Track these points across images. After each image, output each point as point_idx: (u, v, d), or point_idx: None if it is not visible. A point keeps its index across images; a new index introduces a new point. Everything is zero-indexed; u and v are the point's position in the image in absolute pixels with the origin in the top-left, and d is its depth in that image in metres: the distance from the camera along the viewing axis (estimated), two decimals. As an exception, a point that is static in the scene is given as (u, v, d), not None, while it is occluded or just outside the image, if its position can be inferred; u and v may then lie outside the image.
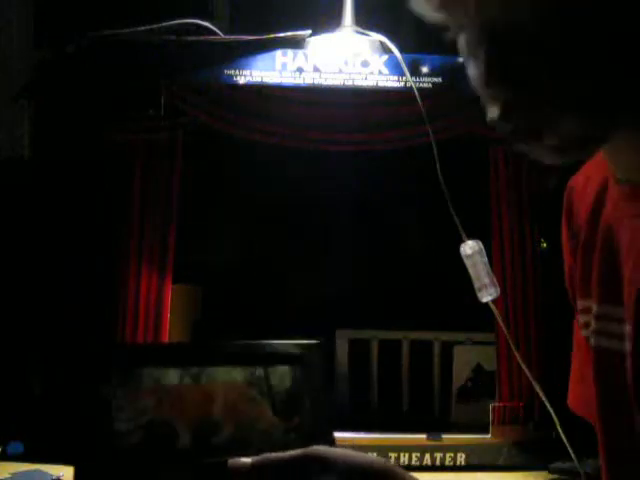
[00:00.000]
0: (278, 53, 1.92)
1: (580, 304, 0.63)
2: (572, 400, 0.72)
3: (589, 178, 0.62)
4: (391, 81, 1.92)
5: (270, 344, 0.67)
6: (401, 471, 0.58)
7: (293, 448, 0.59)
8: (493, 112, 0.48)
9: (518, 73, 0.45)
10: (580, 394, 0.70)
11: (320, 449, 0.59)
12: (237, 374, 0.65)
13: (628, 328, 0.51)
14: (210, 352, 0.66)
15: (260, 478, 0.61)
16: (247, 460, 0.59)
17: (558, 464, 1.88)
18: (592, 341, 0.60)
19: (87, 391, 0.62)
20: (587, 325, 0.62)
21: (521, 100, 0.46)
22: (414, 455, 1.97)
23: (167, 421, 0.61)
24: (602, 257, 0.57)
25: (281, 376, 0.66)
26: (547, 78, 0.45)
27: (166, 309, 1.96)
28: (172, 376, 0.63)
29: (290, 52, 1.92)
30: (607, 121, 0.46)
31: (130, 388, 0.63)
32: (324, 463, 0.58)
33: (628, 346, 0.51)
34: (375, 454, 2.02)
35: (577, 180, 0.65)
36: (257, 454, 0.60)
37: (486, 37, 0.45)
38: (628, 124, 0.46)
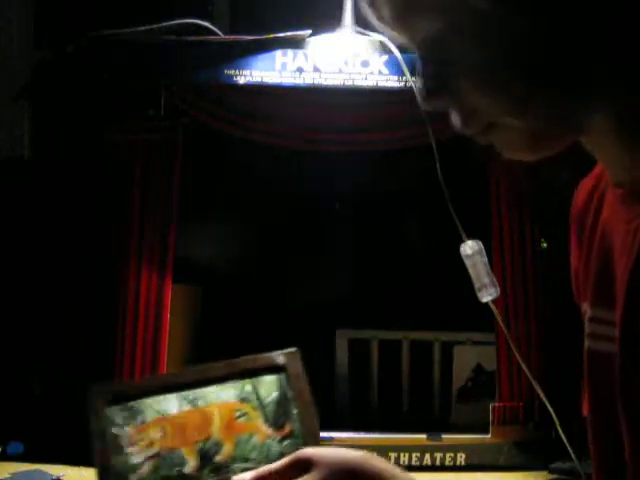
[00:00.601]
0: (278, 53, 1.92)
1: (582, 307, 0.64)
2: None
3: (595, 181, 0.63)
4: (391, 81, 1.92)
5: (253, 359, 0.71)
6: (376, 461, 0.62)
7: (288, 455, 0.63)
8: (455, 120, 0.49)
9: (452, 83, 0.47)
10: None
11: (306, 451, 0.63)
12: (229, 393, 0.69)
13: (617, 331, 0.52)
14: (200, 376, 0.70)
15: None
16: (247, 476, 0.63)
17: (558, 464, 1.88)
18: (585, 343, 0.61)
19: (100, 435, 0.66)
20: None
21: (466, 106, 0.48)
22: (414, 455, 1.97)
23: (173, 449, 0.66)
24: (598, 261, 0.58)
25: (268, 388, 0.70)
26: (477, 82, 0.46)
27: (166, 309, 1.96)
28: (172, 405, 0.68)
29: (290, 52, 1.92)
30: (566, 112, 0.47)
31: (137, 424, 0.67)
32: (310, 463, 0.62)
33: (616, 349, 0.52)
34: (375, 454, 2.02)
35: (585, 183, 0.66)
36: (257, 466, 0.65)
37: (420, 53, 0.47)
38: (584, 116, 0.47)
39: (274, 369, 0.71)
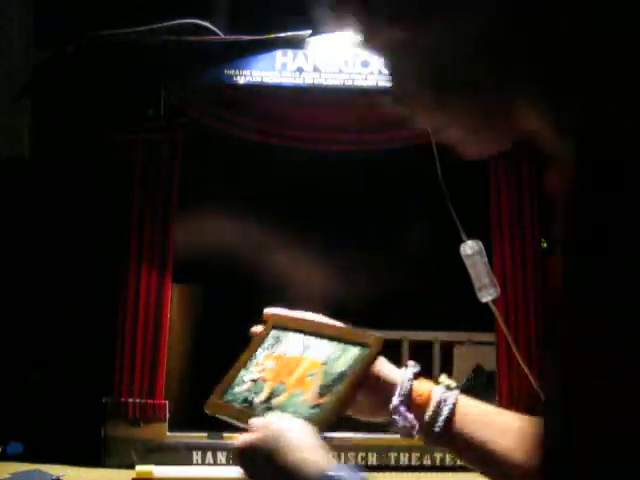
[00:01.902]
0: (278, 53, 1.92)
1: None
2: None
3: None
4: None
5: (355, 332, 0.75)
6: (297, 432, 0.67)
7: (311, 420, 0.68)
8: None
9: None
10: None
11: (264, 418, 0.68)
12: (322, 352, 0.75)
13: None
14: (317, 329, 0.76)
15: None
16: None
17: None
18: None
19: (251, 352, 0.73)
20: None
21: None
22: (414, 455, 1.97)
23: (265, 381, 0.72)
24: None
25: (345, 361, 0.75)
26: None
27: (166, 309, 1.96)
28: (295, 348, 0.74)
29: (290, 52, 1.92)
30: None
31: (272, 352, 0.74)
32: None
33: None
34: (374, 455, 2.02)
35: None
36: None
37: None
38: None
39: (361, 346, 0.75)
